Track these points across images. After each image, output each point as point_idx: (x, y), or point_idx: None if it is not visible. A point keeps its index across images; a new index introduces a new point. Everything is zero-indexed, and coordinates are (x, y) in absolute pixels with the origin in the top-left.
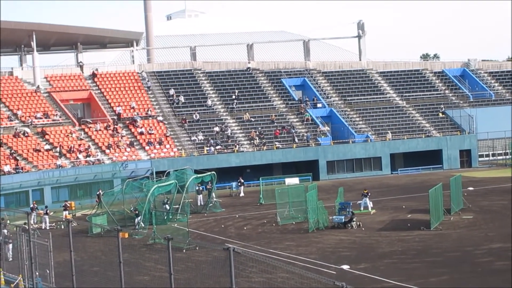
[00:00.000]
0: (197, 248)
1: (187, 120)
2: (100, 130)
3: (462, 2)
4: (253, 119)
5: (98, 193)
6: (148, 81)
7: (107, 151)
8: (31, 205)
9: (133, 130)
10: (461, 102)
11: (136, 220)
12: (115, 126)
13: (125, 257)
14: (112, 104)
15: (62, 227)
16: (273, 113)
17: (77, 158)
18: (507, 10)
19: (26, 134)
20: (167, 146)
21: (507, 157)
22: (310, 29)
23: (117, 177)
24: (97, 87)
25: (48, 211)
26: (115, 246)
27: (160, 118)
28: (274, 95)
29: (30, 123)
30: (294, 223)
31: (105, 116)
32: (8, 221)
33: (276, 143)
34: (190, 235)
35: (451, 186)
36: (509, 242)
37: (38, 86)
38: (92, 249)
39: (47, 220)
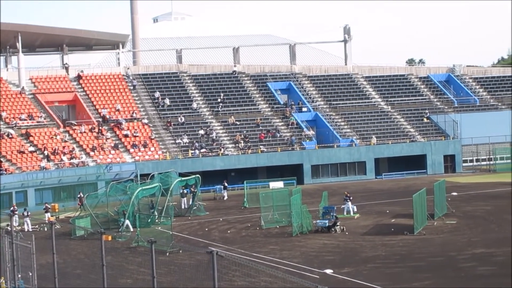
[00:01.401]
0: (180, 251)
1: (172, 123)
2: (84, 132)
3: (448, 8)
4: (238, 123)
5: (79, 196)
6: (133, 79)
7: (92, 153)
8: (11, 208)
9: (118, 132)
10: (446, 107)
11: (126, 222)
12: (100, 128)
13: (108, 260)
14: (97, 106)
15: (45, 229)
16: (258, 116)
17: (61, 160)
18: (493, 17)
19: (10, 136)
20: (152, 148)
21: (491, 162)
22: (296, 33)
23: (101, 180)
24: (82, 89)
25: (28, 213)
26: (98, 249)
27: (145, 120)
28: (259, 99)
29: (14, 125)
30: (278, 227)
31: (90, 118)
32: None
33: (261, 146)
34: (173, 238)
35: (435, 191)
36: (493, 248)
37: (23, 88)
38: (75, 251)
39: (29, 222)
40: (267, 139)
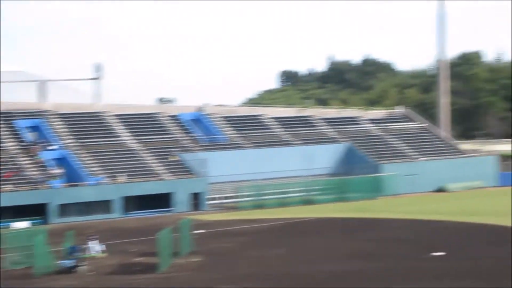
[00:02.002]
0: None
1: None
2: None
3: (199, 51)
4: None
5: None
6: None
7: None
8: None
9: None
10: (194, 145)
11: None
12: None
13: None
14: None
15: None
16: (4, 155)
17: None
18: (241, 60)
19: None
20: None
21: (236, 200)
22: (48, 70)
23: None
24: None
25: None
26: None
27: None
28: (6, 137)
29: None
30: (21, 268)
31: None
32: None
33: (6, 185)
34: None
35: (180, 229)
36: (236, 284)
37: None
38: None
39: None
40: (13, 178)
